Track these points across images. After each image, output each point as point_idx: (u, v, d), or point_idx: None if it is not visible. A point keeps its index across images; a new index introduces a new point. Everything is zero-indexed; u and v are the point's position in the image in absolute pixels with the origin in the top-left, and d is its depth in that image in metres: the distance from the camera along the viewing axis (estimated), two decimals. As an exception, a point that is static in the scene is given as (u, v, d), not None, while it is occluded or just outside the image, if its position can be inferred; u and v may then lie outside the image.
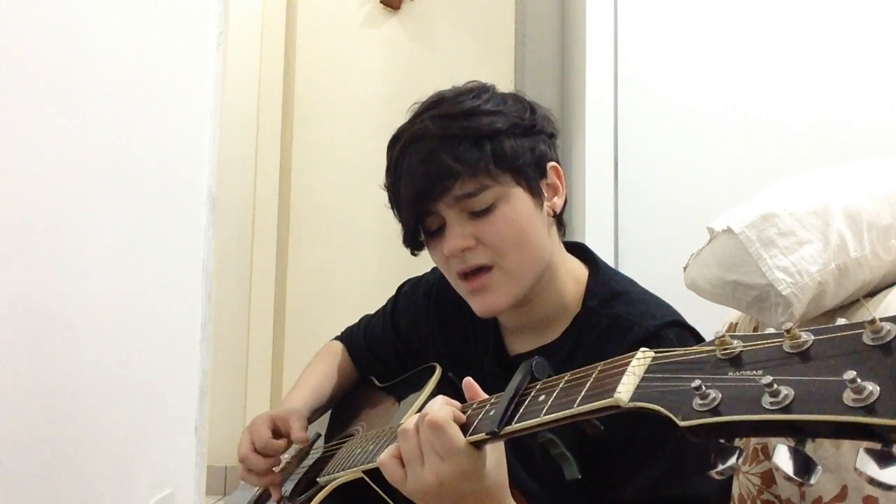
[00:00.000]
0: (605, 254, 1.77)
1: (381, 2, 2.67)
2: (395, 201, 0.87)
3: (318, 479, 0.89)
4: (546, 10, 2.41)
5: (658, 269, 1.51)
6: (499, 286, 0.82)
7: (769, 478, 0.97)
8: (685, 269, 1.18)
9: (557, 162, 0.89)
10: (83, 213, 1.12)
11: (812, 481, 0.35)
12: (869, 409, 0.33)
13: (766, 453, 0.98)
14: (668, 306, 0.86)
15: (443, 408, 0.63)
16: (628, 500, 0.74)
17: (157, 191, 1.35)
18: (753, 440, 0.99)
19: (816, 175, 1.10)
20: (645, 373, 0.47)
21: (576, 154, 2.00)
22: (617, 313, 0.83)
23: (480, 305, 0.84)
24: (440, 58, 2.64)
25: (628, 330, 0.80)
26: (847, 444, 0.87)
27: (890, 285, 0.97)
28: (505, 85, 2.48)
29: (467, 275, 0.83)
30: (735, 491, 1.03)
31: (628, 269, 1.78)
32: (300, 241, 2.71)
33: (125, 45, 1.23)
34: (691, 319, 0.88)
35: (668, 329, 0.80)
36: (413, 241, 0.87)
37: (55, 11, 1.04)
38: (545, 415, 0.52)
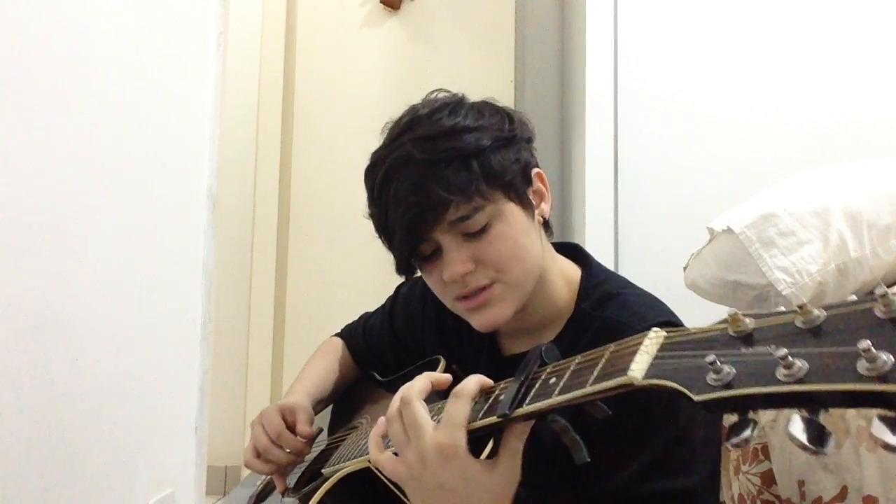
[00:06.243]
0: (605, 254, 1.77)
1: (381, 2, 2.67)
2: (385, 231, 0.84)
3: (322, 471, 0.89)
4: (546, 10, 2.41)
5: (658, 269, 1.51)
6: (501, 299, 0.81)
7: (769, 478, 0.97)
8: (685, 269, 1.18)
9: (538, 165, 0.88)
10: (83, 213, 1.12)
11: (826, 450, 0.36)
12: (883, 378, 0.34)
13: (766, 453, 0.98)
14: (662, 306, 0.85)
15: (420, 382, 0.64)
16: (613, 494, 0.74)
17: (157, 191, 1.35)
18: (753, 441, 0.99)
19: (816, 175, 1.10)
20: (658, 351, 0.47)
21: (576, 154, 2.00)
22: (609, 316, 0.82)
23: (482, 321, 0.82)
24: (440, 58, 2.64)
25: (619, 332, 0.79)
26: (847, 444, 0.87)
27: (890, 285, 0.97)
28: (505, 85, 2.50)
29: (465, 295, 0.82)
30: (735, 491, 1.03)
31: (628, 269, 1.78)
32: (300, 241, 2.71)
33: (125, 45, 1.23)
34: (692, 319, 0.88)
35: None
36: (407, 270, 0.85)
37: (55, 11, 1.04)
38: (557, 395, 0.52)
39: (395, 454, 0.65)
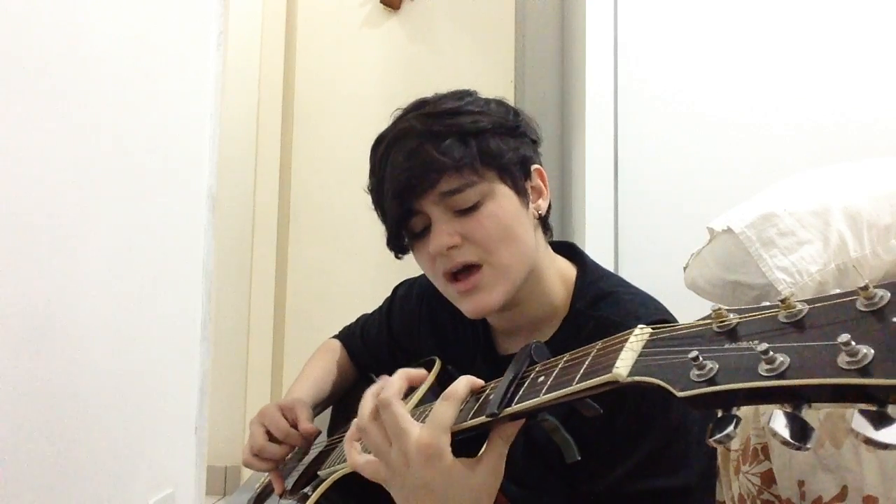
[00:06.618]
0: (605, 254, 1.77)
1: (381, 2, 2.67)
2: (379, 201, 0.86)
3: (318, 473, 0.89)
4: (546, 10, 2.41)
5: (658, 269, 1.51)
6: (490, 284, 0.81)
7: (769, 478, 0.97)
8: (685, 268, 1.18)
9: (541, 166, 0.89)
10: (83, 213, 1.12)
11: (809, 445, 0.36)
12: (863, 371, 0.33)
13: (766, 453, 0.98)
14: (656, 304, 0.85)
15: (396, 382, 0.64)
16: (606, 493, 0.74)
17: (157, 191, 1.35)
18: (753, 441, 0.99)
19: (816, 175, 1.10)
20: (643, 348, 0.47)
21: (576, 154, 2.00)
22: (603, 315, 0.82)
23: (472, 306, 0.82)
24: (440, 58, 2.64)
25: (613, 331, 0.79)
26: (847, 444, 0.87)
27: (890, 285, 0.97)
28: (505, 85, 2.50)
29: (457, 276, 0.82)
30: (735, 491, 1.03)
31: (628, 269, 1.78)
32: (300, 241, 2.71)
33: (125, 45, 1.23)
34: (690, 320, 0.88)
35: None
36: (397, 243, 0.87)
37: (55, 11, 1.04)
38: (545, 394, 0.52)
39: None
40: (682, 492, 0.73)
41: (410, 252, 0.88)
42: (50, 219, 1.04)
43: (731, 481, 1.05)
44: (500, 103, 0.87)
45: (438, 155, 0.78)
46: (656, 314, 0.81)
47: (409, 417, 0.62)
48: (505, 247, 0.80)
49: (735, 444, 1.03)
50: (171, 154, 1.41)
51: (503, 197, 0.81)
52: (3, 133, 0.94)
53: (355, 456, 0.67)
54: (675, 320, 0.81)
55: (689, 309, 0.85)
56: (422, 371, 0.69)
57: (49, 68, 1.03)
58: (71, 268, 1.09)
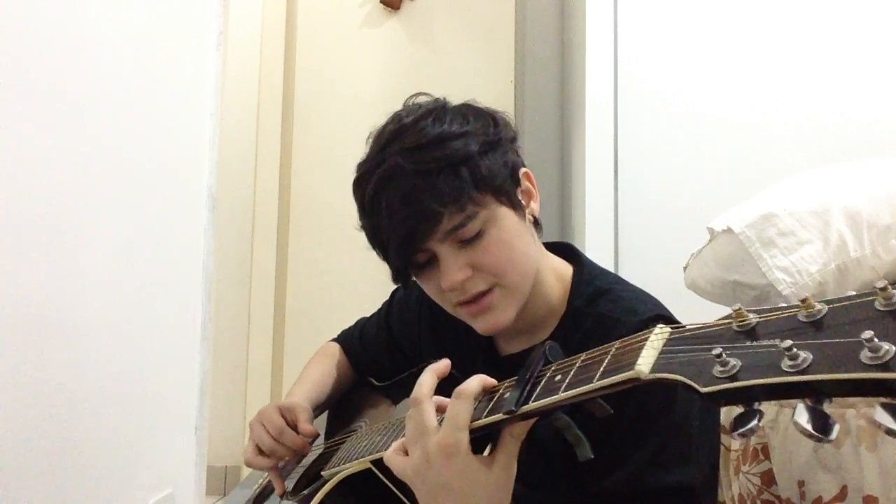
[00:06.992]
0: (604, 254, 1.77)
1: (381, 2, 2.67)
2: (378, 243, 0.84)
3: (322, 473, 0.89)
4: (546, 10, 2.41)
5: (658, 269, 1.51)
6: (502, 304, 0.81)
7: (769, 478, 0.97)
8: (685, 269, 1.18)
9: (525, 165, 0.87)
10: (83, 214, 1.12)
11: (831, 437, 0.37)
12: (885, 366, 0.35)
13: (766, 453, 0.98)
14: (653, 301, 0.85)
15: (427, 381, 0.65)
16: (611, 492, 0.74)
17: (157, 191, 1.35)
18: (753, 441, 0.99)
19: (816, 175, 1.10)
20: (664, 346, 0.48)
21: (576, 154, 2.00)
22: (601, 312, 0.82)
23: (486, 326, 0.83)
24: (440, 58, 2.64)
25: (612, 327, 0.79)
26: (847, 444, 0.88)
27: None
28: (505, 85, 2.50)
29: (466, 301, 0.82)
30: (735, 491, 1.03)
31: (628, 269, 1.78)
32: (300, 241, 2.71)
33: (125, 44, 1.23)
34: (691, 320, 0.88)
35: (652, 323, 0.80)
36: (404, 279, 0.85)
37: (55, 11, 1.04)
38: (563, 392, 0.53)
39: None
40: (687, 488, 0.73)
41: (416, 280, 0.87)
42: (50, 219, 1.04)
43: (731, 481, 1.05)
44: (477, 113, 0.84)
45: (434, 195, 0.76)
46: (654, 310, 0.81)
47: (434, 417, 0.62)
48: (513, 267, 0.81)
49: (735, 444, 1.03)
50: (171, 154, 1.41)
51: (504, 219, 0.81)
52: (3, 133, 0.94)
53: (391, 451, 0.67)
54: (672, 317, 0.81)
55: (689, 309, 0.85)
56: (446, 360, 0.69)
57: (49, 68, 1.03)
58: (71, 268, 1.09)
